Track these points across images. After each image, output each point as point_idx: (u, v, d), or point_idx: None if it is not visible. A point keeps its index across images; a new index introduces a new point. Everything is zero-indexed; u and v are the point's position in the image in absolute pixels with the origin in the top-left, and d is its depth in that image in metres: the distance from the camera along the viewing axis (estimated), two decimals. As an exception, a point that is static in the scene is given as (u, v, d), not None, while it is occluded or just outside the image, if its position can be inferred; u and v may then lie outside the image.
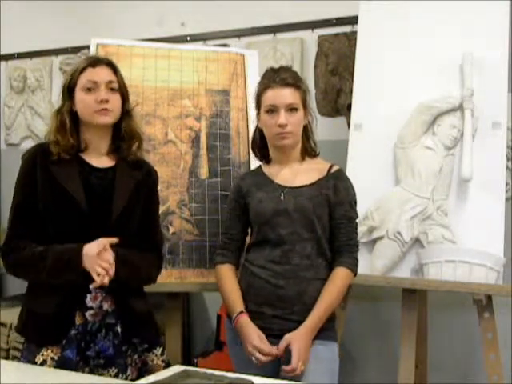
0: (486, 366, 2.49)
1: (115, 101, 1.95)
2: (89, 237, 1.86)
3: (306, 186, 2.15)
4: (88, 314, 1.89)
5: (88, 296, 1.89)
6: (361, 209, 2.54)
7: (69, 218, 1.88)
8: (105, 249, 1.82)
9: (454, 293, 2.63)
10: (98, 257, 1.80)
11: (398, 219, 2.64)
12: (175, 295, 2.72)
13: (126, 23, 3.85)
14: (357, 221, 2.19)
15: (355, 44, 2.93)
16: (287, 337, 2.03)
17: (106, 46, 2.76)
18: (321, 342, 2.07)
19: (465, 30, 2.69)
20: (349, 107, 3.01)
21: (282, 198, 2.15)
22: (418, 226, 2.62)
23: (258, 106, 2.19)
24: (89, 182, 1.92)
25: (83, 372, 1.84)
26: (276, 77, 2.14)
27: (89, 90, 1.92)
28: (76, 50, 4.01)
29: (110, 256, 1.83)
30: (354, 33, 3.10)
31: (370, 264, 2.65)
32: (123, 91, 1.99)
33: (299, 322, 2.05)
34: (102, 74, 1.94)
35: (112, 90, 1.94)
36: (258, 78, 2.25)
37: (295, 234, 2.11)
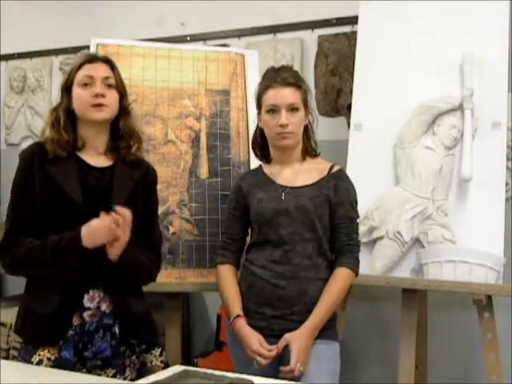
0: (486, 366, 2.49)
1: (111, 97, 1.94)
2: None
3: (307, 186, 2.15)
4: (86, 314, 1.87)
5: (85, 296, 1.87)
6: (361, 209, 2.54)
7: (66, 217, 1.86)
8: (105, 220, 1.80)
9: (453, 293, 2.63)
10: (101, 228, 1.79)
11: (398, 219, 2.64)
12: (175, 295, 2.72)
13: (125, 23, 3.85)
14: (358, 221, 2.19)
15: (355, 44, 2.93)
16: (287, 336, 2.03)
17: (106, 45, 2.76)
18: (322, 342, 2.07)
19: (465, 29, 2.69)
20: (349, 107, 3.01)
21: (283, 198, 2.14)
22: (418, 226, 2.62)
23: (259, 106, 2.19)
24: (86, 182, 1.91)
25: (80, 373, 1.83)
26: (277, 76, 2.13)
27: (85, 85, 1.92)
28: (76, 50, 4.00)
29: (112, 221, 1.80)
30: (354, 33, 3.10)
31: (370, 264, 2.65)
32: (120, 88, 1.98)
33: (300, 322, 2.05)
34: (99, 70, 1.94)
35: (109, 86, 1.94)
36: (258, 78, 2.25)
37: (296, 234, 2.10)
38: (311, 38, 3.46)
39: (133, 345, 1.95)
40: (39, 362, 1.84)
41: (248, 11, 3.56)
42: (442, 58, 2.70)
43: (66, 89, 1.95)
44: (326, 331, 2.08)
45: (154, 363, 1.98)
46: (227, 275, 2.20)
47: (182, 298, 3.11)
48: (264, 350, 2.02)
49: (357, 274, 2.16)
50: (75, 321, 1.86)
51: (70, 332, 1.85)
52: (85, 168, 1.93)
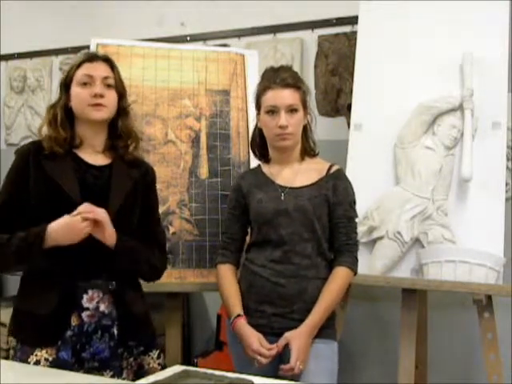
0: (486, 366, 2.49)
1: (110, 97, 1.93)
2: (84, 236, 1.84)
3: (306, 186, 2.16)
4: (84, 314, 1.87)
5: (84, 297, 1.87)
6: (361, 209, 2.55)
7: (63, 215, 1.83)
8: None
9: (453, 293, 2.63)
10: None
11: (398, 219, 2.64)
12: (175, 295, 2.72)
13: (125, 23, 3.85)
14: (356, 220, 2.20)
15: (355, 44, 2.93)
16: (287, 335, 2.04)
17: (106, 45, 2.76)
18: (321, 341, 2.08)
19: (465, 30, 2.68)
20: (349, 107, 3.01)
21: (282, 198, 2.15)
22: (418, 226, 2.62)
23: (258, 107, 2.19)
24: (84, 180, 1.90)
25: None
26: (276, 77, 2.13)
27: (84, 84, 1.91)
28: (76, 50, 3.99)
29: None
30: (354, 33, 3.10)
31: (370, 264, 2.65)
32: (119, 88, 1.98)
33: (299, 321, 2.06)
34: (99, 70, 1.93)
35: (108, 86, 1.93)
36: (258, 78, 2.25)
37: (295, 235, 2.11)
38: (311, 38, 3.46)
39: (131, 346, 1.94)
40: (36, 363, 1.83)
41: (248, 11, 3.56)
42: (441, 57, 2.70)
43: (65, 86, 1.95)
44: (325, 330, 2.09)
45: (151, 365, 1.97)
46: (227, 275, 2.21)
47: (182, 298, 3.10)
48: (264, 349, 2.03)
49: (355, 273, 2.17)
50: (73, 321, 1.86)
51: (69, 332, 1.85)
52: (83, 166, 1.93)
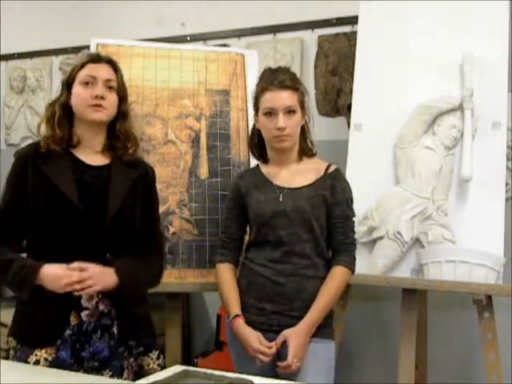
0: (485, 366, 2.49)
1: (111, 99, 1.93)
2: (83, 236, 1.84)
3: (304, 187, 2.17)
4: (83, 314, 1.86)
5: (84, 296, 1.86)
6: (361, 209, 2.55)
7: (62, 216, 1.84)
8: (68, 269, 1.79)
9: (453, 293, 2.63)
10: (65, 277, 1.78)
11: (398, 219, 2.64)
12: (175, 295, 2.72)
13: (125, 23, 3.85)
14: (354, 219, 2.21)
15: (355, 44, 2.93)
16: (285, 332, 2.06)
17: (106, 45, 2.76)
18: (319, 340, 2.10)
19: (465, 29, 2.69)
20: (349, 107, 3.01)
21: (280, 199, 2.16)
22: (418, 226, 2.62)
23: (256, 108, 2.20)
24: (82, 180, 1.90)
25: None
26: (274, 79, 2.14)
27: (86, 84, 1.91)
28: (76, 50, 4.00)
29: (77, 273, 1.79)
30: (354, 33, 3.10)
31: (370, 264, 2.65)
32: (121, 92, 1.97)
33: (298, 318, 2.08)
34: (102, 71, 1.93)
35: (110, 88, 1.93)
36: (257, 79, 2.25)
37: (294, 235, 2.12)
38: (311, 37, 3.45)
39: (131, 346, 1.94)
40: (36, 363, 1.83)
41: (248, 11, 3.56)
42: (441, 58, 2.70)
43: (67, 85, 1.95)
44: (323, 329, 2.11)
45: (151, 366, 1.97)
46: (226, 274, 2.22)
47: (182, 298, 3.10)
48: (264, 347, 2.05)
49: (353, 272, 2.18)
50: (73, 320, 1.85)
51: (68, 332, 1.84)
52: (80, 166, 1.92)
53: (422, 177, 2.65)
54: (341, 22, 3.34)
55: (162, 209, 2.49)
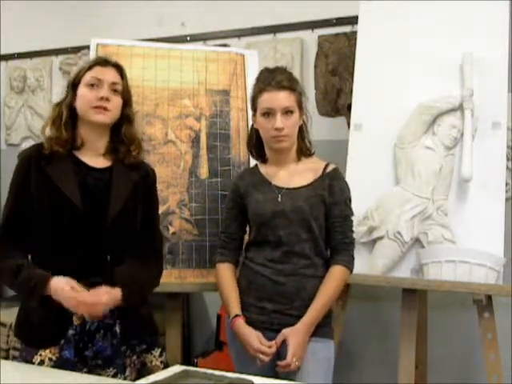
0: (485, 366, 2.49)
1: (115, 102, 1.94)
2: (84, 237, 1.85)
3: (302, 187, 2.17)
4: None
5: None
6: (361, 209, 2.55)
7: (64, 218, 1.86)
8: (74, 288, 1.80)
9: (453, 293, 2.63)
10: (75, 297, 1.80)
11: (398, 219, 2.64)
12: (175, 295, 2.72)
13: (125, 23, 3.85)
14: (352, 218, 2.21)
15: (355, 44, 2.93)
16: (285, 331, 2.07)
17: (106, 46, 2.76)
18: (318, 339, 2.11)
19: (465, 29, 2.69)
20: (349, 107, 3.01)
21: (279, 199, 2.16)
22: (418, 226, 2.62)
23: (254, 108, 2.21)
24: (85, 182, 1.91)
25: (81, 372, 1.83)
26: (271, 79, 2.14)
27: (92, 86, 1.92)
28: (76, 49, 4.01)
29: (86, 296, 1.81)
30: (354, 33, 3.10)
31: (370, 264, 2.65)
32: (126, 96, 1.99)
33: (298, 317, 2.09)
34: (108, 74, 1.95)
35: (115, 91, 1.95)
36: (254, 79, 2.25)
37: (294, 235, 2.13)
38: (311, 37, 3.46)
39: (133, 344, 1.95)
40: (41, 363, 1.84)
41: (248, 11, 3.56)
42: (441, 57, 2.70)
43: (73, 86, 1.96)
44: (322, 329, 2.12)
45: (153, 363, 1.99)
46: (226, 274, 2.23)
47: (182, 298, 3.10)
48: (264, 347, 2.05)
49: (351, 271, 2.19)
50: (76, 320, 1.86)
51: (71, 331, 1.85)
52: (83, 168, 1.93)
53: (422, 177, 2.65)
54: (341, 22, 3.34)
55: (161, 209, 2.49)
